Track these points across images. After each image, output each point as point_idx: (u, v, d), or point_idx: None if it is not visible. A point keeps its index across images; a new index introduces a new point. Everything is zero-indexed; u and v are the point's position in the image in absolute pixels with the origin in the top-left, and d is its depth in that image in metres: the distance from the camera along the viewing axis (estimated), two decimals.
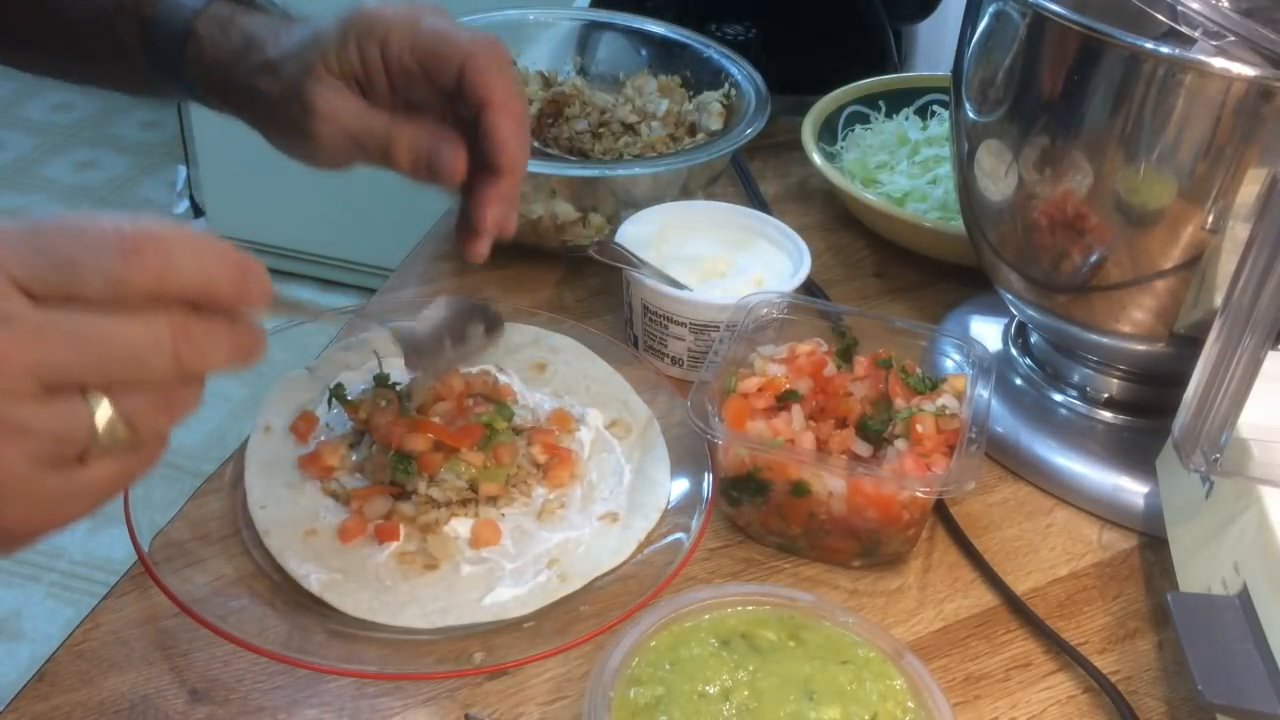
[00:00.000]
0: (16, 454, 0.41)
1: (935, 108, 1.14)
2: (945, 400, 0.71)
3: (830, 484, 0.68)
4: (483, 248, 0.67)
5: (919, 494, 0.67)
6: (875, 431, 0.71)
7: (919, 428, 0.69)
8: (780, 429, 0.70)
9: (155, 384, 0.43)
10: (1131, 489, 0.75)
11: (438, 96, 0.65)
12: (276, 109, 0.66)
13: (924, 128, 1.10)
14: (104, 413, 0.42)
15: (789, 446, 0.69)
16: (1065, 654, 0.66)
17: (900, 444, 0.70)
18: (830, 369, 0.74)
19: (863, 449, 0.70)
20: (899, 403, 0.72)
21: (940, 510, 0.75)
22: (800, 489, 0.68)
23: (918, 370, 0.75)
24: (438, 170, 0.64)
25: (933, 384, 0.74)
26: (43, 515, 0.44)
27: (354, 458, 0.71)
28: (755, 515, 0.71)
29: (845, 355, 0.76)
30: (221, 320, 0.44)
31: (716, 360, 0.73)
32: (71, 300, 0.41)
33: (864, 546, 0.70)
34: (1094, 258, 0.70)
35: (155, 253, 0.41)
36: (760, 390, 0.72)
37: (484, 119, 0.63)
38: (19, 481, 0.41)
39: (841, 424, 0.71)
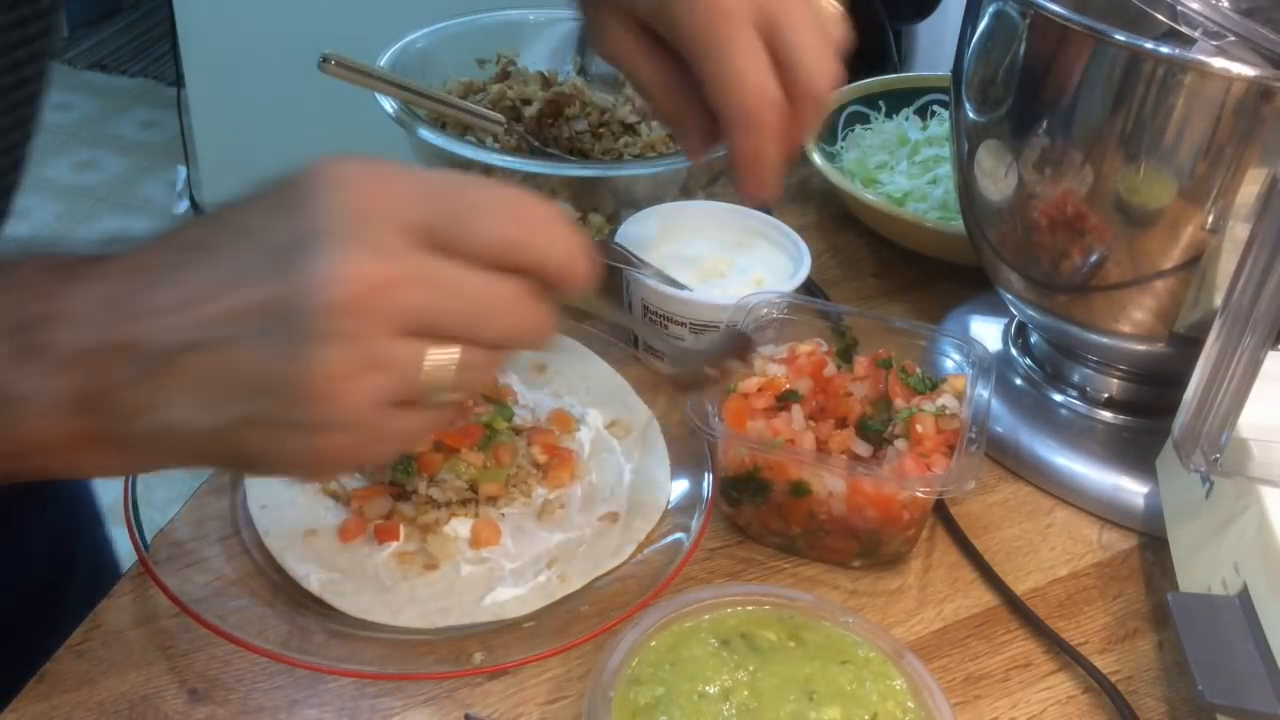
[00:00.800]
0: (368, 387, 0.42)
1: (935, 108, 1.13)
2: (945, 400, 0.71)
3: (830, 484, 0.68)
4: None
5: (919, 494, 0.67)
6: (875, 431, 0.71)
7: (919, 428, 0.69)
8: (780, 429, 0.70)
9: (492, 343, 0.45)
10: (1131, 489, 0.75)
11: None
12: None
13: (924, 128, 1.10)
14: (449, 361, 0.44)
15: (789, 446, 0.69)
16: (1065, 654, 0.66)
17: (900, 444, 0.70)
18: (830, 369, 0.74)
19: (863, 449, 0.70)
20: (899, 403, 0.72)
21: (940, 510, 0.75)
22: (800, 489, 0.68)
23: (918, 370, 0.75)
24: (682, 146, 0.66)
25: (933, 384, 0.74)
26: (361, 450, 0.45)
27: None
28: (755, 515, 0.71)
29: (845, 355, 0.76)
30: (544, 298, 0.46)
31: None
32: (451, 252, 0.43)
33: (864, 546, 0.70)
34: (1094, 258, 0.70)
35: (534, 228, 0.44)
36: (760, 390, 0.72)
37: (733, 172, 0.63)
38: (359, 413, 0.43)
39: (841, 424, 0.71)
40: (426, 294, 0.43)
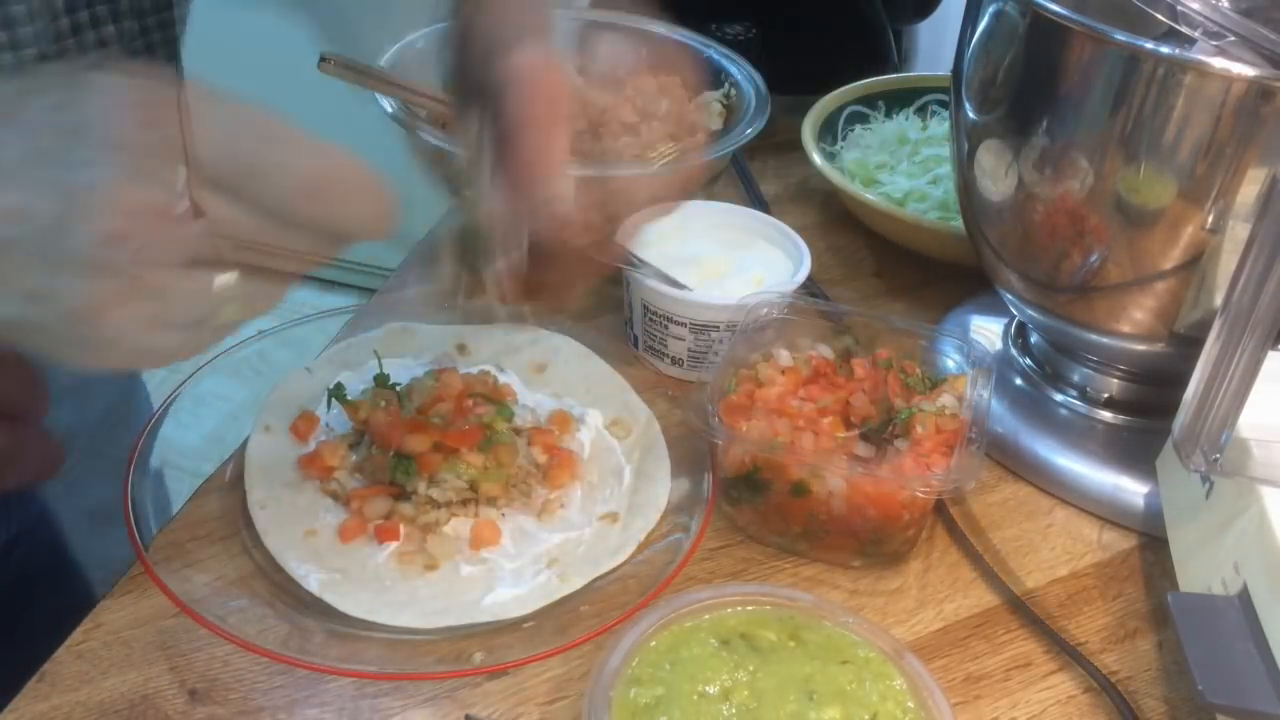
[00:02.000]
0: (136, 315, 0.43)
1: (935, 108, 1.13)
2: (945, 400, 0.72)
3: (830, 484, 0.68)
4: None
5: (919, 494, 0.67)
6: (875, 432, 0.71)
7: (918, 428, 0.69)
8: (780, 430, 0.70)
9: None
10: (1131, 489, 0.75)
11: None
12: None
13: (924, 128, 1.10)
14: (225, 289, 0.45)
15: (789, 447, 0.69)
16: (1066, 654, 0.66)
17: (900, 444, 0.70)
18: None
19: (863, 449, 0.70)
20: (899, 403, 0.72)
21: (940, 510, 0.75)
22: (800, 489, 0.68)
23: (918, 370, 0.75)
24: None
25: (933, 384, 0.74)
26: (136, 360, 0.47)
27: (354, 458, 0.71)
28: (755, 515, 0.71)
29: (845, 356, 0.77)
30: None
31: (716, 361, 0.73)
32: (238, 199, 0.44)
33: (864, 546, 0.70)
34: (1094, 258, 0.70)
35: (331, 202, 0.45)
36: (780, 397, 0.72)
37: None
38: (126, 336, 0.44)
39: (847, 424, 0.72)
40: (199, 231, 0.43)
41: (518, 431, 0.73)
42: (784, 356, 0.75)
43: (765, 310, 0.78)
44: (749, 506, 0.71)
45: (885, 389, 0.73)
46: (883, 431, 0.71)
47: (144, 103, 0.43)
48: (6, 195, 0.42)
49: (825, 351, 0.76)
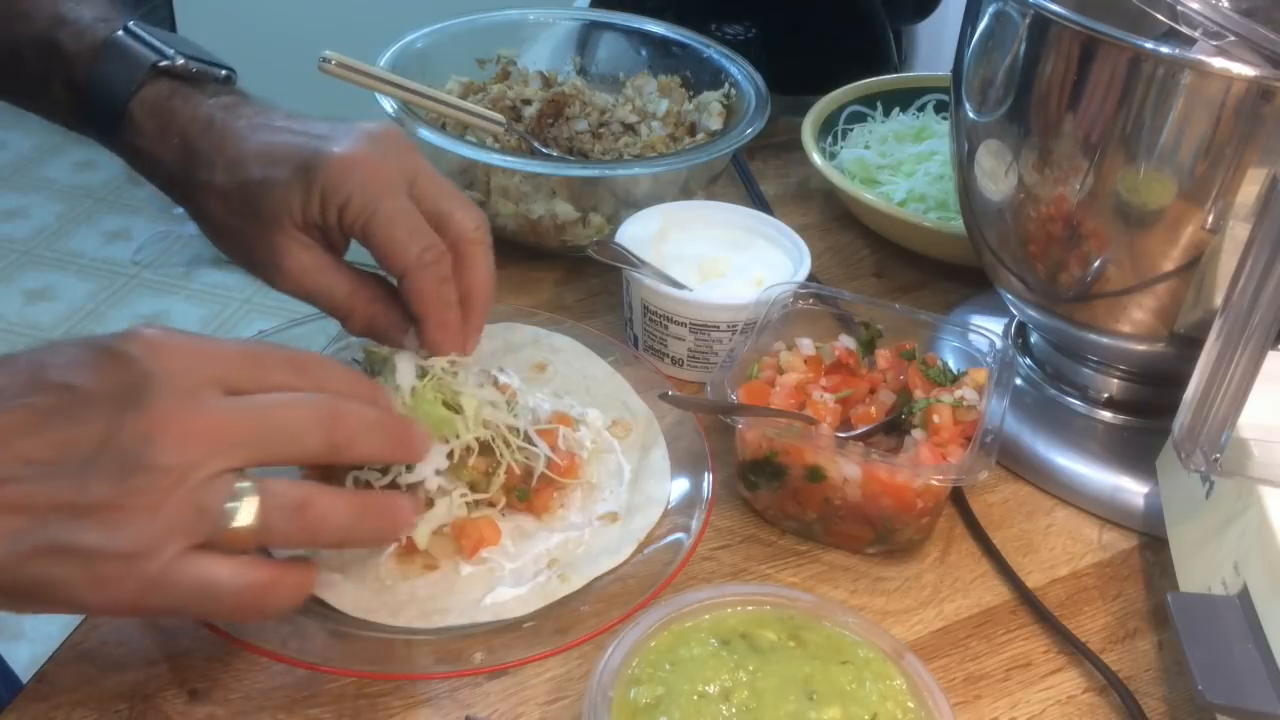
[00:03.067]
0: (172, 515, 0.48)
1: (935, 107, 1.14)
2: (964, 392, 0.72)
3: (845, 470, 0.68)
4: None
5: (933, 482, 0.67)
6: (893, 422, 0.72)
7: (935, 418, 0.70)
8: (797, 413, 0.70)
9: (298, 457, 0.53)
10: (1131, 489, 0.75)
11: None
12: (231, 236, 0.66)
13: (924, 128, 1.10)
14: (247, 495, 0.50)
15: (805, 429, 0.69)
16: (1078, 651, 0.66)
17: (917, 433, 0.70)
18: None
19: (881, 438, 0.71)
20: (918, 394, 0.72)
21: (959, 503, 0.75)
22: (816, 474, 0.69)
23: (939, 362, 0.75)
24: (382, 340, 0.69)
25: (953, 377, 0.74)
26: (146, 591, 0.49)
27: None
28: (772, 499, 0.72)
29: (869, 348, 0.77)
30: (371, 408, 0.55)
31: (734, 359, 0.73)
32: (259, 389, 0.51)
33: (878, 533, 0.70)
34: (1094, 258, 0.70)
35: (314, 374, 0.54)
36: (796, 387, 0.72)
37: (420, 328, 0.67)
38: (158, 538, 0.48)
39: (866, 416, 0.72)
40: (227, 427, 0.50)
41: (516, 432, 0.73)
42: (806, 345, 0.75)
43: (789, 302, 0.79)
44: (766, 491, 0.72)
45: (905, 380, 0.73)
46: (900, 421, 0.72)
47: (168, 340, 0.51)
48: (50, 435, 0.48)
49: (848, 342, 0.76)
